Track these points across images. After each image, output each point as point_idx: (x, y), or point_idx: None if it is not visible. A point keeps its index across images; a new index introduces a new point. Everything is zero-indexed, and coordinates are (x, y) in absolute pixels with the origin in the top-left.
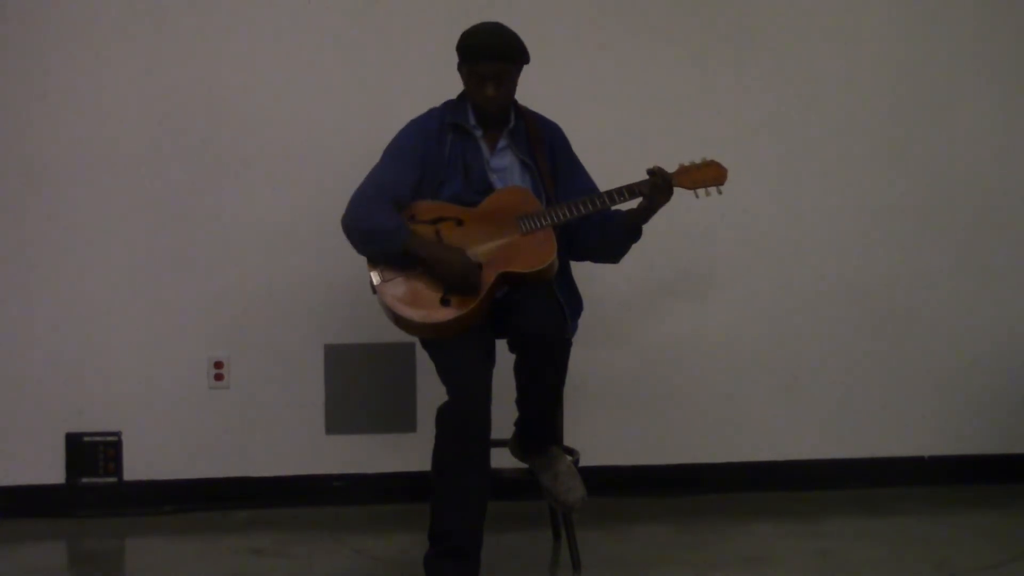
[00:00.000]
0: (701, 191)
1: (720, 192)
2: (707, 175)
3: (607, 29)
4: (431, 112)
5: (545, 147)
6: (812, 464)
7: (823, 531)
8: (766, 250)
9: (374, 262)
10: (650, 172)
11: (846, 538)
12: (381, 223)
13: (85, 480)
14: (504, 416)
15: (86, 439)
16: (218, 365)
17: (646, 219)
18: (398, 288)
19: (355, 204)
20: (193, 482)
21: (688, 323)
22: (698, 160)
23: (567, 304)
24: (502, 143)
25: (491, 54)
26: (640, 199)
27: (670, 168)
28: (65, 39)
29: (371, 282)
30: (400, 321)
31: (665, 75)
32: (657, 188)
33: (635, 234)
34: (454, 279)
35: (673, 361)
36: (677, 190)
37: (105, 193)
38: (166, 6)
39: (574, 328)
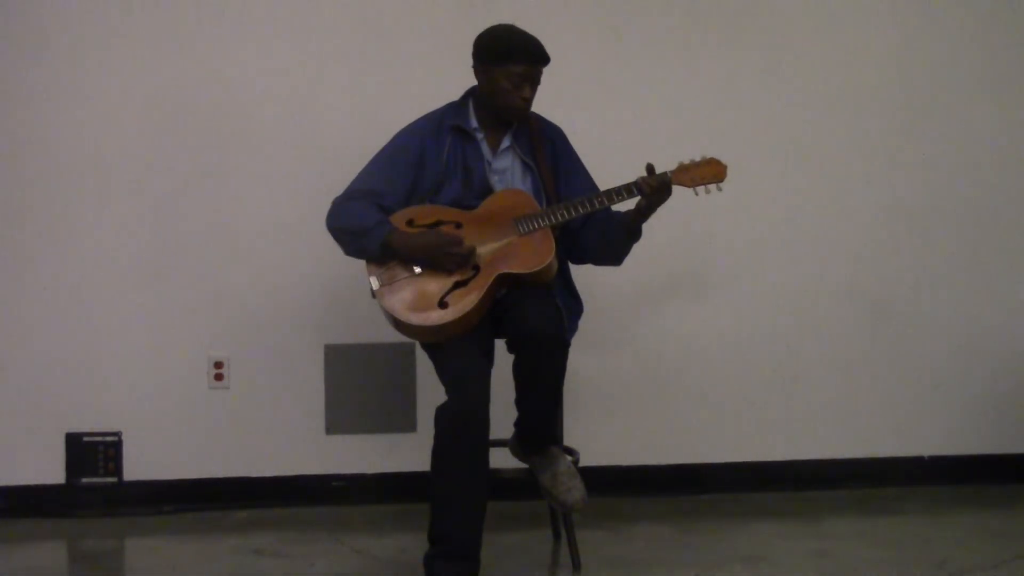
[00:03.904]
0: (701, 189)
1: (720, 189)
2: (707, 173)
3: (608, 29)
4: (431, 114)
5: (547, 149)
6: (812, 464)
7: (823, 531)
8: (766, 250)
9: (372, 267)
10: (648, 170)
11: (846, 538)
12: (359, 221)
13: (85, 480)
14: (504, 416)
15: (86, 439)
16: (218, 365)
17: (645, 218)
18: (397, 293)
19: (335, 204)
20: (193, 482)
21: (688, 323)
22: (697, 158)
23: (566, 306)
24: (505, 144)
25: (532, 57)
26: (638, 199)
27: (669, 166)
28: (66, 38)
29: (370, 287)
30: (400, 325)
31: (666, 74)
32: (653, 187)
33: (635, 234)
34: (439, 256)
35: (673, 361)
36: (677, 188)
37: (105, 193)
38: (168, 6)
39: (574, 330)
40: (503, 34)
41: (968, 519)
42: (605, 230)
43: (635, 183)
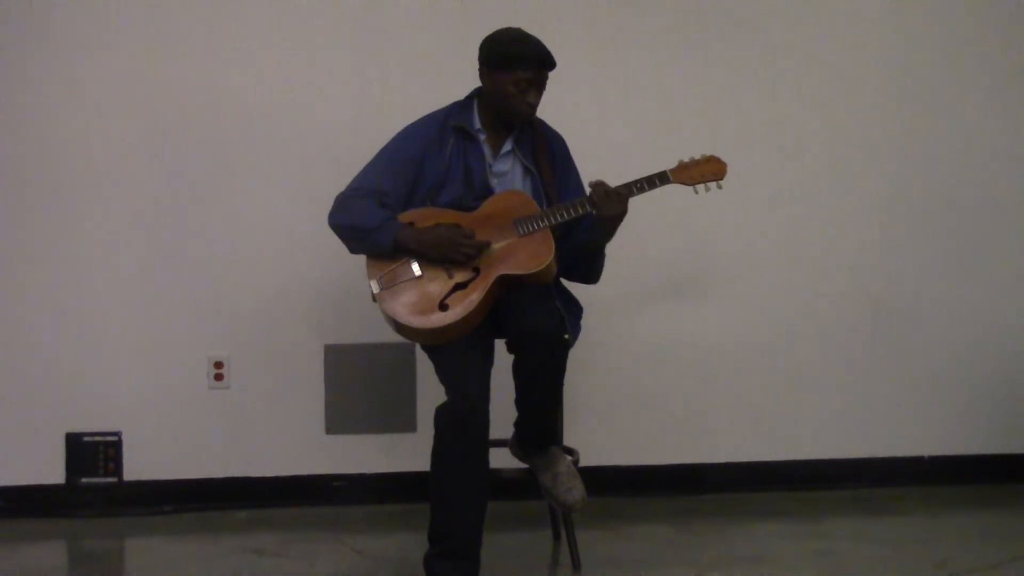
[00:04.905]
0: (701, 187)
1: (720, 187)
2: (706, 170)
3: (607, 30)
4: (435, 113)
5: (548, 154)
6: (812, 464)
7: (823, 531)
8: (766, 250)
9: (372, 270)
10: (591, 185)
11: (846, 538)
12: (367, 220)
13: (85, 480)
14: (504, 416)
15: (86, 439)
16: (218, 365)
17: (604, 237)
18: (398, 296)
19: (339, 201)
20: (193, 482)
21: (688, 323)
22: (697, 156)
23: (565, 308)
24: (506, 148)
25: (540, 63)
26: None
27: (669, 165)
28: (66, 39)
29: (371, 291)
30: (402, 328)
31: (665, 75)
32: (599, 196)
33: (595, 253)
34: (452, 248)
35: (673, 361)
36: (676, 188)
37: (105, 193)
38: (168, 6)
39: (577, 331)
40: (510, 39)
41: (968, 519)
42: (572, 250)
43: (628, 185)
